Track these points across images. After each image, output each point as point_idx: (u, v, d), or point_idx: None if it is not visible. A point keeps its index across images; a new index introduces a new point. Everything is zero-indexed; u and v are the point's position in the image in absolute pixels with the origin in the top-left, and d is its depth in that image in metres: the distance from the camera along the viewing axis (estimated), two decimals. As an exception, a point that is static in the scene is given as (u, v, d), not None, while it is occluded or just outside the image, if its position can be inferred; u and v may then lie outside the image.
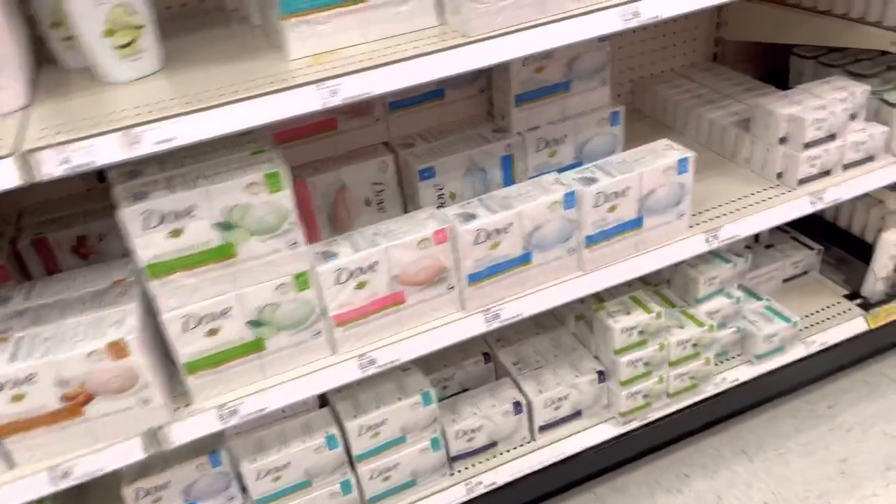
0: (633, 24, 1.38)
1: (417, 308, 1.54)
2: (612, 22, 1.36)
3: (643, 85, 2.33)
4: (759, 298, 2.11)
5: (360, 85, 1.23)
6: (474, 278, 1.55)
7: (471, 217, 1.51)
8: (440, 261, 1.51)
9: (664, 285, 2.05)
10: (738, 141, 1.97)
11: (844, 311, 2.17)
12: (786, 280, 2.30)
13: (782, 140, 1.82)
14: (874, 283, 2.13)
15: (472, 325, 1.58)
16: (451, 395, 1.94)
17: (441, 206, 1.75)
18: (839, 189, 1.84)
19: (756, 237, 2.33)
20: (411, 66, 1.24)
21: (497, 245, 1.53)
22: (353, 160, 1.74)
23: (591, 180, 1.58)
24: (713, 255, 1.98)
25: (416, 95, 1.83)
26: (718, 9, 2.34)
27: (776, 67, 2.34)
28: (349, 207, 1.76)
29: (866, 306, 2.16)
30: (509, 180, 1.82)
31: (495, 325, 1.60)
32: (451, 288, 1.55)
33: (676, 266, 1.98)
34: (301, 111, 1.20)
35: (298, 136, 1.74)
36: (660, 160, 1.62)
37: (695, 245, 1.73)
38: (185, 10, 1.75)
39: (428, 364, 1.95)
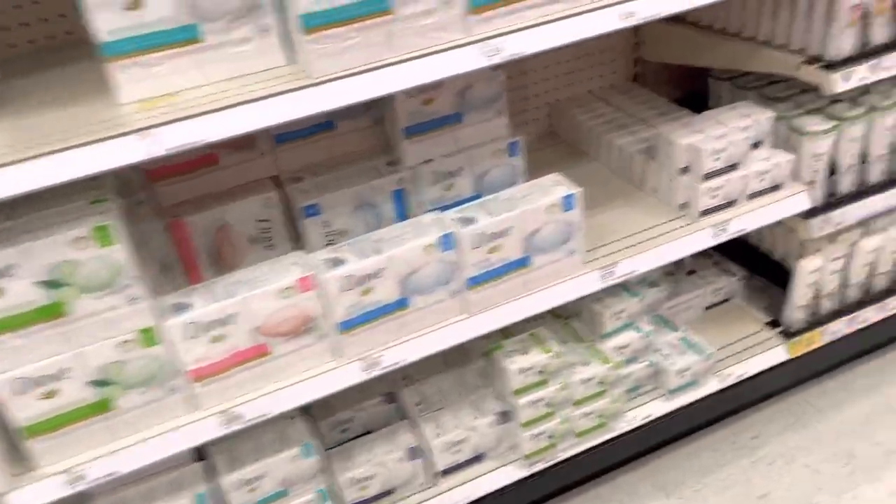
0: (497, 60, 1.31)
1: (286, 359, 1.45)
2: (472, 60, 1.29)
3: (560, 108, 2.26)
4: (674, 329, 2.04)
5: (187, 133, 1.14)
6: (347, 326, 1.47)
7: (338, 263, 1.43)
8: (307, 309, 1.43)
9: (575, 318, 1.98)
10: (645, 169, 1.90)
11: (765, 340, 2.11)
12: (708, 307, 2.24)
13: (684, 170, 1.75)
14: (793, 312, 2.07)
15: (349, 375, 1.50)
16: (353, 438, 1.86)
17: (330, 243, 1.67)
18: (743, 220, 1.78)
19: (678, 263, 2.26)
20: (243, 112, 1.16)
21: (369, 291, 1.45)
22: (236, 197, 1.66)
23: (470, 220, 1.51)
24: (621, 289, 1.90)
25: (304, 127, 1.75)
26: (636, 29, 2.28)
27: (697, 89, 2.27)
28: (234, 246, 1.68)
29: (787, 334, 2.09)
30: (403, 215, 1.74)
31: (375, 372, 1.53)
32: (323, 337, 1.47)
33: (582, 300, 1.90)
34: (118, 164, 1.12)
35: (178, 171, 1.66)
36: (544, 197, 1.55)
37: (589, 283, 1.66)
38: (53, 43, 1.66)
39: (326, 407, 1.87)
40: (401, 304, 1.50)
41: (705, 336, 2.08)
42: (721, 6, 1.92)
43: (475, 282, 1.55)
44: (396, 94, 1.63)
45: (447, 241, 1.48)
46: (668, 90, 2.31)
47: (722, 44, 1.97)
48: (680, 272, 2.25)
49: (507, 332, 1.87)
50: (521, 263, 1.58)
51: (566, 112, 2.22)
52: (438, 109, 1.69)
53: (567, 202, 1.56)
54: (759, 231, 2.07)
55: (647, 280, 2.02)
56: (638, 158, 1.92)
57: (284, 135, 1.75)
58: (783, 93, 1.98)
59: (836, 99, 1.89)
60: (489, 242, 1.52)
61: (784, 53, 1.80)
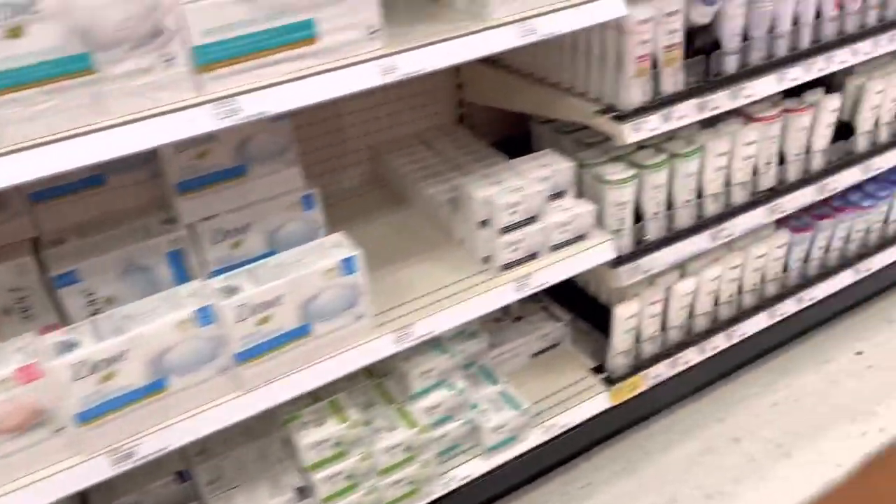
0: (235, 121, 1.19)
1: (15, 458, 1.27)
2: (204, 121, 1.17)
3: (380, 152, 2.17)
4: (495, 382, 1.96)
5: None
6: (87, 417, 1.29)
7: (71, 347, 1.26)
8: (34, 402, 1.25)
9: (390, 376, 1.88)
10: (452, 220, 1.83)
11: (589, 387, 2.07)
12: (536, 353, 2.19)
13: (483, 223, 1.69)
14: (615, 357, 2.04)
15: (93, 471, 1.33)
16: (140, 524, 1.68)
17: (95, 312, 1.50)
18: (547, 272, 1.73)
19: (505, 309, 2.20)
20: None
21: (112, 376, 1.29)
22: (-19, 265, 1.46)
23: (233, 291, 1.37)
24: (430, 345, 1.81)
25: (68, 183, 1.57)
26: (457, 70, 2.22)
27: (522, 131, 2.23)
28: (-18, 320, 1.47)
29: (611, 381, 2.06)
30: (183, 278, 1.58)
31: (128, 465, 1.36)
32: (59, 430, 1.29)
33: (393, 358, 1.80)
34: None
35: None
36: (321, 261, 1.44)
37: (382, 348, 1.56)
38: None
39: (109, 490, 1.68)
40: (155, 387, 1.34)
41: (531, 385, 2.04)
42: (528, 51, 1.88)
43: (247, 356, 1.41)
44: (162, 149, 1.49)
45: (206, 316, 1.34)
46: (493, 132, 2.27)
47: (531, 89, 1.94)
48: (507, 319, 2.20)
49: (315, 397, 1.75)
50: (300, 333, 1.45)
51: (384, 156, 2.13)
52: (216, 163, 1.56)
53: (347, 266, 1.46)
54: (584, 275, 2.05)
55: (467, 331, 1.94)
56: (445, 209, 1.84)
57: (43, 192, 1.57)
58: (594, 138, 1.96)
59: (642, 145, 1.89)
60: (258, 313, 1.39)
61: (583, 102, 1.77)
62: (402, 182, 2.04)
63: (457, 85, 2.26)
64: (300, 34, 1.21)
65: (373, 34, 1.27)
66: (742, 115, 1.97)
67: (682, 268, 2.08)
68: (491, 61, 2.06)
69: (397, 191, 2.09)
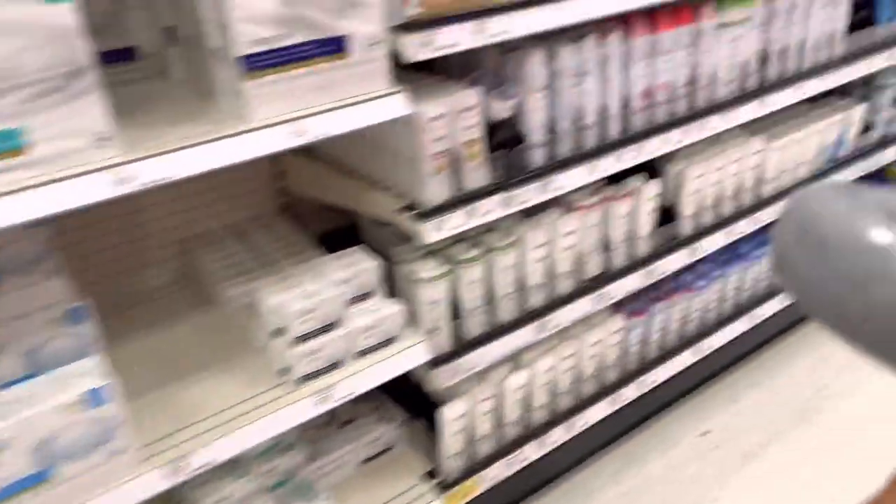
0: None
1: None
2: None
3: (189, 247, 2.00)
4: (313, 499, 1.78)
5: None
6: None
7: None
8: None
9: (188, 504, 1.67)
10: (252, 326, 1.67)
11: (419, 496, 1.92)
12: (367, 460, 2.02)
13: (277, 332, 1.54)
14: (447, 461, 1.91)
15: None
16: None
17: None
18: (353, 382, 1.59)
19: (332, 412, 2.04)
20: None
21: None
22: None
23: (-60, 439, 1.16)
24: (228, 468, 1.63)
25: None
26: (276, 158, 2.10)
27: (349, 222, 2.12)
28: None
29: (444, 486, 1.92)
30: None
31: None
32: None
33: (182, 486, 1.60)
34: None
35: None
36: (59, 395, 1.24)
37: (150, 485, 1.36)
38: None
39: None
40: None
41: (357, 498, 1.89)
42: (338, 142, 1.78)
43: (-36, 514, 1.18)
44: None
45: None
46: (320, 222, 2.15)
47: (342, 181, 1.84)
48: (334, 423, 2.03)
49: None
50: (36, 480, 1.24)
51: (192, 252, 1.96)
52: (-52, 281, 1.35)
53: (95, 397, 1.27)
54: (418, 371, 1.92)
55: (282, 443, 1.77)
56: (243, 314, 1.69)
57: None
58: (414, 230, 1.87)
59: (459, 238, 1.81)
60: (-25, 463, 1.17)
61: (387, 197, 1.68)
62: (209, 280, 1.87)
63: (276, 173, 2.13)
64: (4, 145, 1.05)
65: (102, 141, 1.12)
66: (562, 204, 1.94)
67: (514, 361, 2.00)
68: (306, 151, 1.95)
69: (205, 290, 1.92)
